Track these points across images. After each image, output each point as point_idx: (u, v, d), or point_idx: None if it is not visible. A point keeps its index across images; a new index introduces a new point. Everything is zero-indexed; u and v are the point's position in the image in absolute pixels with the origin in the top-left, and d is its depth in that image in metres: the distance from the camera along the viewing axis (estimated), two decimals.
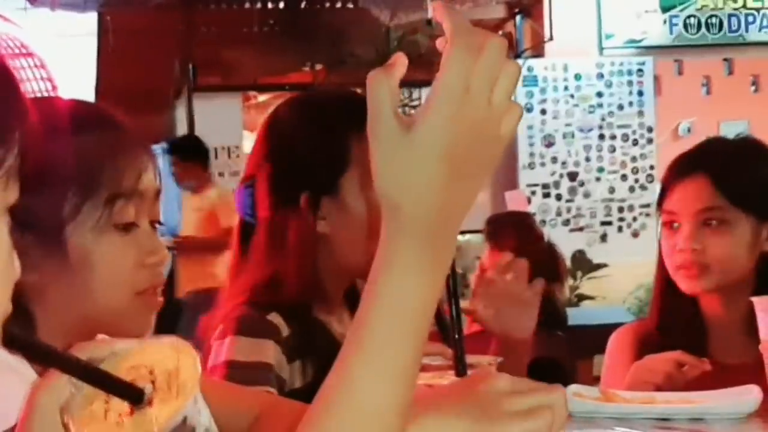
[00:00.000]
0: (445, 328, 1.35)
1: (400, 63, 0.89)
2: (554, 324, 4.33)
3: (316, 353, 1.66)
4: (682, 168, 1.99)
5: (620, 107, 7.66)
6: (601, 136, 7.64)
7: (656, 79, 7.79)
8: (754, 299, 1.71)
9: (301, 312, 1.69)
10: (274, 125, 1.79)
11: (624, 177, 7.68)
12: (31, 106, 0.82)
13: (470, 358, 1.27)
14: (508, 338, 1.67)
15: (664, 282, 2.02)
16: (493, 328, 1.63)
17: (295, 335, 1.66)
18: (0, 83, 0.78)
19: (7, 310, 0.82)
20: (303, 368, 1.66)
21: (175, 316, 6.55)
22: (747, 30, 8.09)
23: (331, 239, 1.72)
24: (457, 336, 1.26)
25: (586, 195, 7.65)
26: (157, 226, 1.33)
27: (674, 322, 1.99)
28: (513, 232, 4.68)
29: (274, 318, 1.66)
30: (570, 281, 7.39)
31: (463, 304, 1.52)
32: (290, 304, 1.68)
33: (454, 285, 1.33)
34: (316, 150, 1.71)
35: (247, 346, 1.63)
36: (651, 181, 7.64)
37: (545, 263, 4.59)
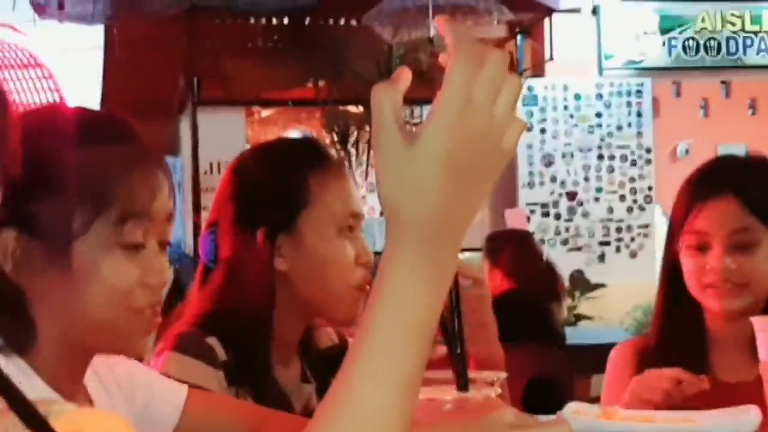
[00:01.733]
0: (451, 342, 1.36)
1: (404, 77, 0.90)
2: (552, 342, 4.36)
3: (252, 386, 1.69)
4: (706, 188, 1.95)
5: (619, 128, 7.71)
6: (600, 157, 7.69)
7: (655, 100, 7.85)
8: (753, 319, 1.70)
9: (244, 343, 1.71)
10: (236, 169, 1.84)
11: (622, 197, 7.72)
12: (14, 109, 0.84)
13: (471, 374, 1.28)
14: (479, 358, 1.68)
15: (668, 299, 2.02)
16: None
17: (232, 362, 1.69)
18: None
19: None
20: (239, 396, 1.68)
21: None
22: (745, 53, 8.15)
23: (289, 276, 1.75)
24: (459, 351, 1.29)
25: (585, 215, 7.69)
26: (166, 246, 1.32)
27: (676, 340, 1.99)
28: (512, 250, 4.69)
29: (212, 341, 1.69)
30: (568, 301, 7.42)
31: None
32: (235, 333, 1.71)
33: (457, 299, 1.36)
34: (275, 187, 1.76)
35: (182, 363, 1.65)
36: (649, 202, 7.69)
37: (544, 282, 4.63)
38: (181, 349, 1.67)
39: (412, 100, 8.12)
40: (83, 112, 1.34)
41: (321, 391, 1.82)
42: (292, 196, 1.75)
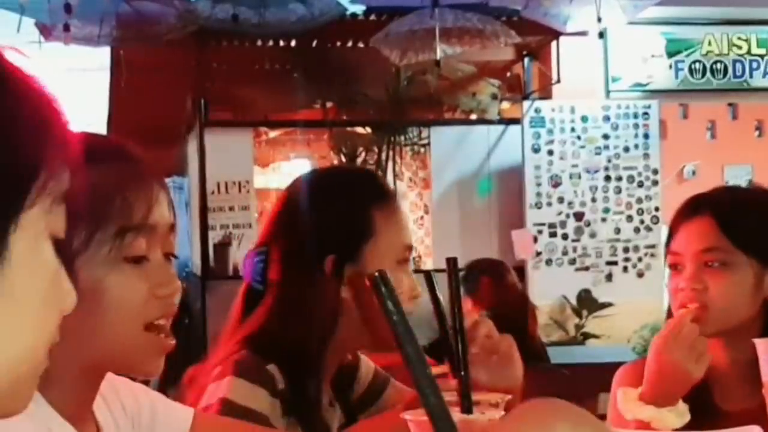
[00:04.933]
0: (454, 365, 1.36)
1: None
2: (531, 358, 4.42)
3: (302, 417, 1.70)
4: (689, 210, 1.96)
5: (626, 149, 7.72)
6: (607, 178, 7.70)
7: (662, 122, 7.86)
8: (756, 341, 1.70)
9: (302, 372, 1.73)
10: (297, 195, 1.85)
11: (629, 218, 7.73)
12: (74, 134, 0.84)
13: (476, 395, 1.27)
14: (498, 390, 1.69)
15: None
16: (485, 384, 1.66)
17: (289, 391, 1.70)
18: (45, 110, 0.80)
19: (56, 338, 0.82)
20: (293, 426, 1.69)
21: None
22: (751, 76, 8.18)
23: (350, 305, 1.77)
24: (462, 373, 1.28)
25: (592, 235, 7.70)
26: (172, 258, 1.29)
27: None
28: (487, 280, 4.78)
29: (272, 369, 1.70)
30: (576, 320, 7.43)
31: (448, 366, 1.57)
32: (295, 360, 1.72)
33: (460, 323, 1.36)
34: (342, 218, 1.79)
35: (244, 389, 1.66)
36: (656, 222, 7.69)
37: (516, 312, 4.70)
38: (244, 374, 1.67)
39: (420, 122, 8.16)
40: (75, 134, 1.35)
41: (345, 413, 1.85)
42: (358, 228, 1.78)
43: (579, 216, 7.69)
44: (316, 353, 1.75)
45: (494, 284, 4.79)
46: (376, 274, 0.88)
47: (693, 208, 1.96)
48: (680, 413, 1.83)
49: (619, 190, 7.72)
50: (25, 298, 0.78)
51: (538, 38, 7.72)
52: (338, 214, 1.79)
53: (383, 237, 1.78)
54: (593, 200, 7.70)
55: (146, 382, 1.44)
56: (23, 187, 0.77)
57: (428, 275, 1.39)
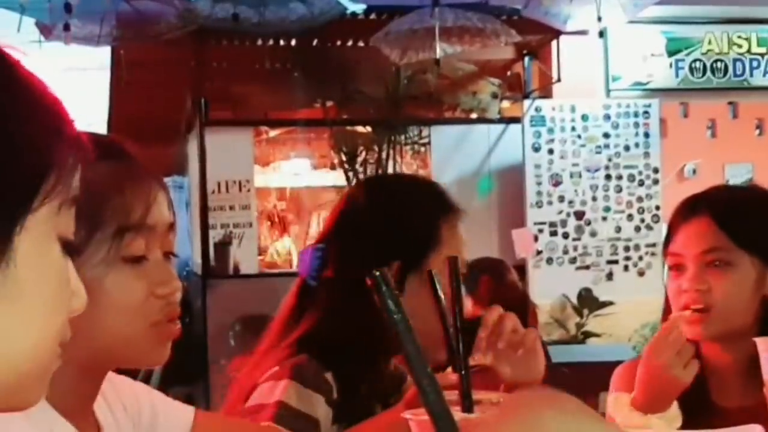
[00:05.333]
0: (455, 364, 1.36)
1: None
2: None
3: (353, 423, 1.68)
4: (687, 210, 1.96)
5: (627, 148, 7.73)
6: (608, 176, 7.70)
7: (662, 121, 7.87)
8: (757, 340, 1.70)
9: (356, 379, 1.74)
10: (361, 197, 1.88)
11: (630, 216, 7.74)
12: (84, 138, 0.84)
13: (477, 394, 1.28)
14: (521, 384, 1.70)
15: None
16: (511, 378, 1.67)
17: (343, 400, 1.71)
18: (54, 112, 0.81)
19: (66, 336, 0.83)
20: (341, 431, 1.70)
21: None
22: (752, 74, 8.19)
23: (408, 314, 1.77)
24: (463, 372, 1.28)
25: (593, 234, 7.70)
26: (172, 258, 1.29)
27: None
28: (488, 279, 4.79)
29: (330, 377, 1.71)
30: (576, 319, 7.43)
31: (478, 359, 1.57)
32: (352, 367, 1.74)
33: (461, 322, 1.36)
34: (412, 227, 1.81)
35: (302, 395, 1.67)
36: (656, 221, 7.70)
37: (516, 310, 4.70)
38: (302, 380, 1.69)
39: (419, 120, 8.15)
40: (85, 136, 1.35)
41: None
42: (426, 238, 1.80)
43: (580, 215, 7.69)
44: (373, 360, 1.77)
45: (494, 283, 4.80)
46: (377, 273, 0.88)
47: (691, 208, 1.96)
48: (670, 419, 1.83)
49: (619, 189, 7.73)
50: (31, 298, 0.78)
51: (538, 37, 7.72)
52: (408, 223, 1.81)
53: (447, 249, 1.80)
54: (594, 199, 7.70)
55: (147, 379, 1.44)
56: (31, 189, 0.77)
57: (430, 274, 1.39)
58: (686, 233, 1.93)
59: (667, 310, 2.01)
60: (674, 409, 1.85)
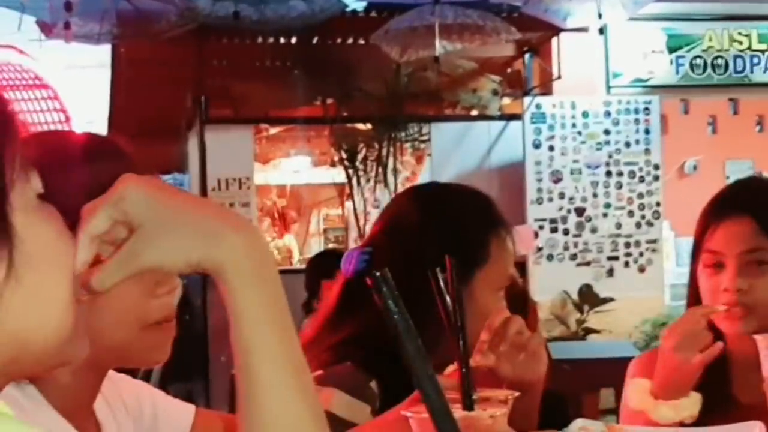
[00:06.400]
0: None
1: None
2: None
3: None
4: (723, 208, 1.94)
5: (627, 145, 7.73)
6: (608, 173, 7.71)
7: (663, 117, 7.87)
8: (757, 337, 1.71)
9: (398, 385, 1.74)
10: (413, 203, 1.86)
11: (631, 213, 7.74)
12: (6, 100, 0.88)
13: (485, 392, 1.29)
14: (524, 384, 1.71)
15: None
16: (512, 378, 1.67)
17: (384, 408, 1.68)
18: None
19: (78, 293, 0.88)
20: None
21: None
22: (752, 71, 8.19)
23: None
24: (464, 370, 1.28)
25: (593, 230, 7.71)
26: None
27: None
28: None
29: (374, 386, 1.71)
30: (577, 315, 7.44)
31: (479, 360, 1.57)
32: (393, 376, 1.73)
33: (462, 322, 1.36)
34: (462, 239, 1.80)
35: (349, 404, 1.67)
36: (657, 218, 7.70)
37: (516, 307, 4.70)
38: (349, 389, 1.69)
39: (420, 117, 8.16)
40: (69, 135, 1.34)
41: None
42: (476, 252, 1.79)
43: (580, 211, 7.69)
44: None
45: None
46: (377, 274, 0.89)
47: (729, 205, 1.95)
48: (681, 407, 1.83)
49: (620, 186, 7.73)
50: (42, 263, 0.84)
51: (538, 34, 7.73)
52: (459, 235, 1.80)
53: (495, 265, 1.80)
54: (594, 196, 7.71)
55: (147, 377, 1.44)
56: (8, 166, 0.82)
57: (434, 273, 1.40)
58: (726, 231, 1.92)
59: (688, 305, 2.00)
60: (688, 400, 1.85)
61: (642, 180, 7.75)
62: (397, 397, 1.72)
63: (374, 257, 1.81)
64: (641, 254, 7.74)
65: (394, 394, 1.72)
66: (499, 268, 1.81)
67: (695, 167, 8.09)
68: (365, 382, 1.71)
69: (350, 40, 8.01)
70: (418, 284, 1.69)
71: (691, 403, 1.85)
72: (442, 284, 1.39)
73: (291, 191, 10.22)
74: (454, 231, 1.81)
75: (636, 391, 1.89)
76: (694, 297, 2.00)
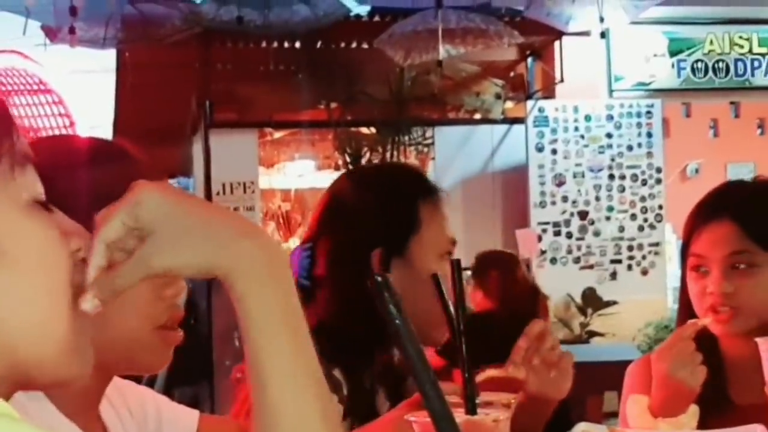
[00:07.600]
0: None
1: None
2: None
3: (360, 414, 1.69)
4: (708, 212, 1.96)
5: (629, 148, 7.74)
6: (611, 176, 7.72)
7: (665, 121, 7.88)
8: (759, 340, 1.72)
9: (360, 370, 1.75)
10: (339, 192, 1.89)
11: (633, 216, 7.75)
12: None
13: (488, 396, 1.29)
14: (546, 398, 1.71)
15: (683, 321, 1.99)
16: (537, 393, 1.67)
17: (350, 394, 1.72)
18: None
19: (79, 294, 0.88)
20: (350, 427, 1.69)
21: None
22: (753, 74, 8.20)
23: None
24: (467, 375, 1.28)
25: (596, 233, 7.72)
26: None
27: None
28: (498, 272, 4.79)
29: (338, 374, 1.72)
30: (580, 318, 7.44)
31: (511, 372, 1.59)
32: (352, 359, 1.74)
33: (464, 325, 1.37)
34: (389, 213, 1.82)
35: None
36: (660, 221, 7.71)
37: (526, 304, 4.69)
38: None
39: (423, 120, 8.16)
40: (78, 139, 1.35)
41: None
42: (405, 222, 1.81)
43: (583, 215, 7.70)
44: (373, 349, 1.77)
45: (504, 277, 4.78)
46: (377, 276, 0.90)
47: (711, 209, 1.96)
48: (680, 424, 1.85)
49: (622, 189, 7.74)
50: (28, 268, 0.83)
51: (541, 38, 7.74)
52: (385, 208, 1.82)
53: (429, 230, 1.82)
54: (597, 199, 7.72)
55: (152, 380, 1.44)
56: None
57: (435, 277, 1.41)
58: (709, 235, 1.93)
59: (682, 311, 2.02)
60: (686, 416, 1.86)
61: (644, 183, 7.76)
62: (361, 383, 1.73)
63: (315, 252, 1.83)
64: (644, 257, 7.74)
65: (359, 380, 1.73)
66: (434, 233, 1.83)
67: (697, 170, 8.10)
68: (329, 371, 1.71)
69: (354, 45, 8.02)
70: (359, 266, 1.67)
71: (690, 417, 1.87)
72: (443, 288, 1.41)
73: (295, 195, 10.21)
74: (383, 203, 1.83)
75: (635, 408, 1.90)
76: (684, 300, 2.02)
